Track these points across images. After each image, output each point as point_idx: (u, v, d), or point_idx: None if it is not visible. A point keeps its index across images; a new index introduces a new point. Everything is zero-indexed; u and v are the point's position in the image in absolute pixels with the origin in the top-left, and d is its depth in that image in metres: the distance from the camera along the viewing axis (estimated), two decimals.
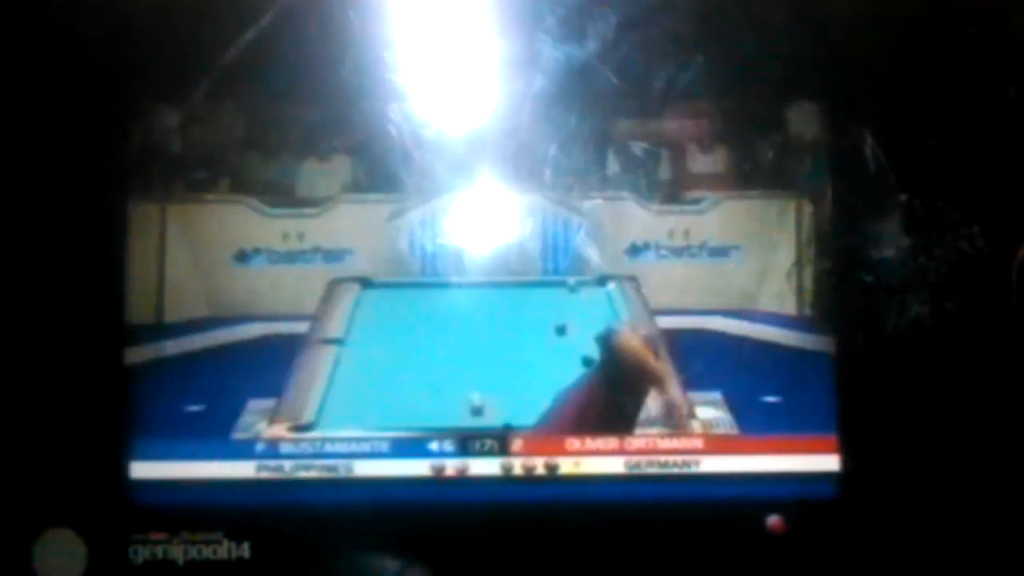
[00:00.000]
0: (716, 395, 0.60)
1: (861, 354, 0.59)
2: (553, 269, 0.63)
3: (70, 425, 0.56)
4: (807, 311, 0.61)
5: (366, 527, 0.57)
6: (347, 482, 0.58)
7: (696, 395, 0.60)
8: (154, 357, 0.59)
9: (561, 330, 0.63)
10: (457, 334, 0.61)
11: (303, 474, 0.58)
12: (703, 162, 0.63)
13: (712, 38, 0.60)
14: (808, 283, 0.61)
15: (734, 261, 0.62)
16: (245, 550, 0.57)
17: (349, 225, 0.62)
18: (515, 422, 0.59)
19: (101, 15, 0.58)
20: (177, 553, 0.56)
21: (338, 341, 0.63)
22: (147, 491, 0.57)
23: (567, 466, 0.59)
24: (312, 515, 0.57)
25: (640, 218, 0.63)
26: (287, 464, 0.58)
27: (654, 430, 0.59)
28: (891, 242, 0.59)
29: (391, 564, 0.56)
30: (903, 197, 0.59)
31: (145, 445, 0.58)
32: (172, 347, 0.59)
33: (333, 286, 0.62)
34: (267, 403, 0.59)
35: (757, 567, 0.57)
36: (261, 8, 0.58)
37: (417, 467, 0.58)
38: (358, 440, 0.58)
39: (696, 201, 0.63)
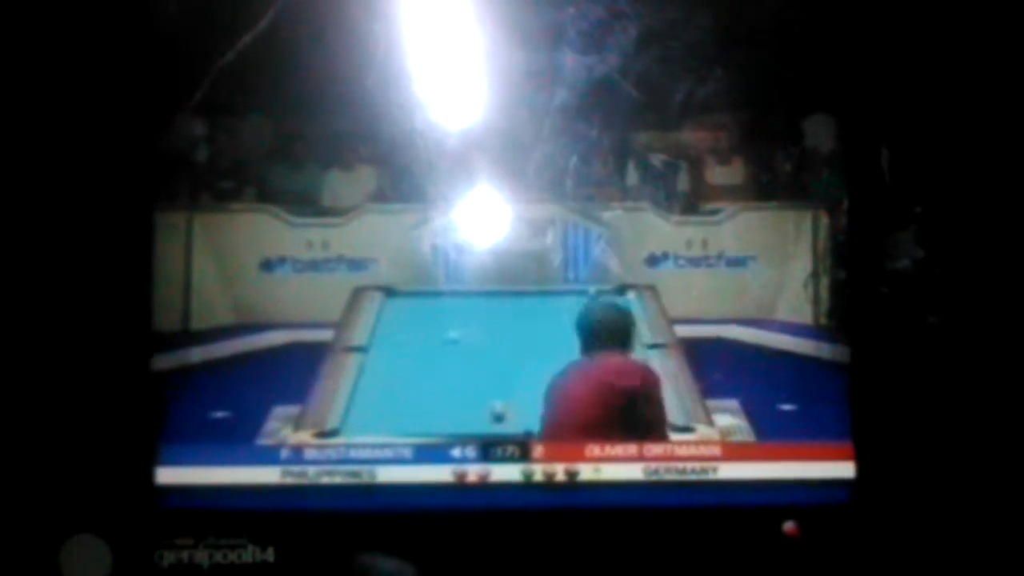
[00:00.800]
0: (733, 403, 0.61)
1: (876, 363, 0.60)
2: (574, 278, 0.64)
3: (96, 431, 0.57)
4: (823, 321, 0.62)
5: (389, 532, 0.57)
6: (370, 488, 0.58)
7: (713, 403, 0.61)
8: (180, 364, 0.60)
9: None
10: (479, 342, 0.61)
11: (327, 480, 0.58)
12: (721, 174, 0.64)
13: (730, 52, 0.60)
14: (824, 293, 0.62)
15: (751, 271, 0.63)
16: (269, 554, 0.57)
17: (373, 234, 0.63)
18: (535, 429, 0.60)
19: (130, 25, 0.58)
20: (202, 558, 0.57)
21: (362, 349, 0.63)
22: (173, 496, 0.58)
23: (587, 472, 0.59)
24: (336, 520, 0.58)
25: (659, 229, 0.63)
26: (311, 470, 0.58)
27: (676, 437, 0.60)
28: (906, 253, 0.59)
29: (413, 569, 0.57)
30: (918, 208, 0.59)
31: (171, 451, 0.58)
32: (198, 354, 0.60)
33: (357, 294, 0.63)
34: (292, 410, 0.60)
35: (773, 572, 0.58)
36: (288, 20, 0.59)
37: (439, 473, 0.59)
38: (381, 446, 0.59)
39: (714, 212, 0.63)
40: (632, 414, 0.60)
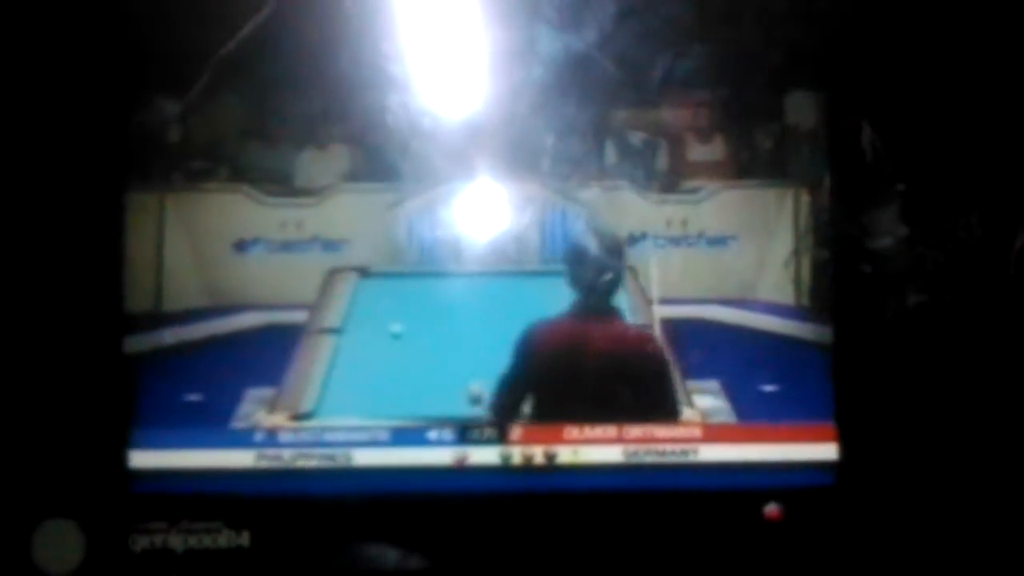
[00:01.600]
0: (714, 384, 0.60)
1: (858, 343, 0.59)
2: (552, 258, 0.63)
3: (69, 414, 0.57)
4: (805, 300, 0.61)
5: (365, 516, 0.57)
6: (346, 471, 0.58)
7: (694, 384, 0.60)
8: (153, 346, 0.59)
9: None
10: (455, 324, 0.61)
11: (302, 463, 0.58)
12: (701, 151, 0.63)
13: (710, 27, 0.60)
14: (806, 272, 0.61)
15: (732, 250, 0.62)
16: (245, 539, 0.57)
17: (347, 215, 0.63)
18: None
19: (101, 5, 0.58)
20: (176, 542, 0.57)
21: (337, 330, 0.63)
22: (146, 480, 0.57)
23: (565, 455, 0.59)
24: (311, 504, 0.57)
25: (638, 208, 0.63)
26: (286, 453, 0.58)
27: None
28: (889, 231, 0.59)
29: (390, 553, 0.56)
30: (901, 186, 0.59)
31: (144, 434, 0.58)
32: (171, 336, 0.60)
33: (332, 276, 0.62)
34: (266, 392, 0.59)
35: (755, 555, 0.58)
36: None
37: (416, 456, 0.58)
38: (357, 429, 0.58)
39: (694, 191, 0.63)
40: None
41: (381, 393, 0.60)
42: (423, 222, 0.62)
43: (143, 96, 0.60)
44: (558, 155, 0.61)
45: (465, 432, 0.58)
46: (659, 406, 0.59)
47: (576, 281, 0.61)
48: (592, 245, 0.61)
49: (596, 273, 0.61)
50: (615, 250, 0.61)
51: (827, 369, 0.59)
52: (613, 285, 0.61)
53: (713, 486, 0.58)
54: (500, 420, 0.59)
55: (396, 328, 0.60)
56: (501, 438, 0.58)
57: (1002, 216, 0.59)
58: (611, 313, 0.61)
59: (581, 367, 0.60)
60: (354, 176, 0.62)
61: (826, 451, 0.59)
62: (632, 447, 0.59)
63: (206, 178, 0.61)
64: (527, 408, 0.59)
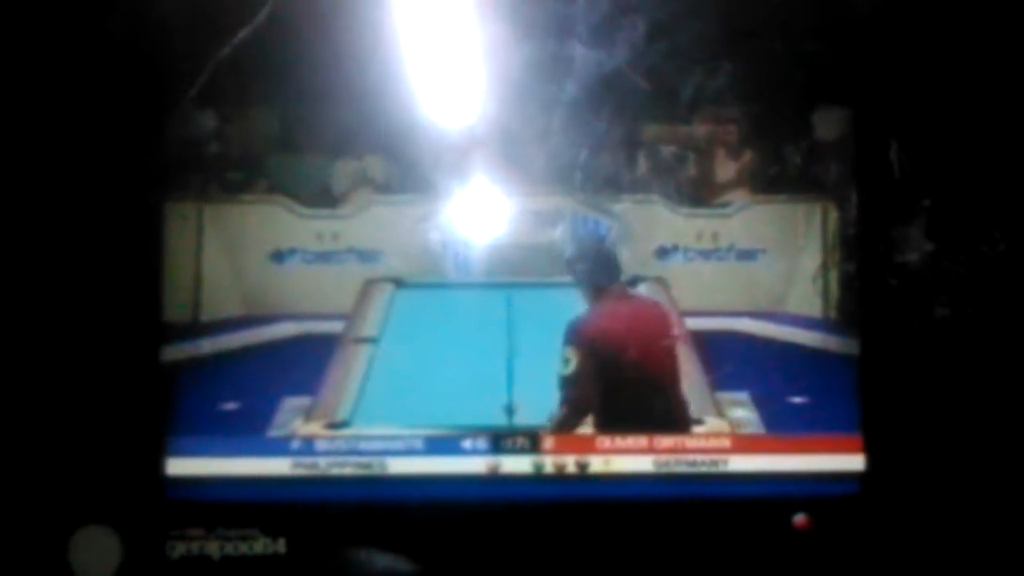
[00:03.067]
0: (743, 395, 0.61)
1: (885, 356, 0.60)
2: None
3: (107, 422, 0.57)
4: (832, 313, 0.62)
5: (399, 524, 0.58)
6: (381, 479, 0.59)
7: (724, 395, 0.61)
8: (190, 355, 0.60)
9: None
10: (488, 334, 0.61)
11: (338, 471, 0.59)
12: (731, 166, 0.64)
13: (740, 43, 0.60)
14: (833, 286, 0.62)
15: (761, 264, 0.63)
16: (280, 546, 0.57)
17: (382, 226, 0.63)
18: (546, 421, 0.60)
19: (138, 16, 0.58)
20: (213, 549, 0.57)
21: (372, 340, 0.63)
22: (183, 488, 0.58)
23: (597, 464, 0.59)
24: (347, 511, 0.58)
25: (669, 221, 0.63)
26: (322, 461, 0.59)
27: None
28: (915, 246, 0.60)
29: (422, 559, 0.57)
30: (928, 201, 0.60)
31: (181, 442, 0.59)
32: (208, 345, 0.60)
33: (368, 286, 0.62)
34: (302, 401, 0.60)
35: (783, 565, 0.58)
36: (296, 10, 0.59)
37: (450, 464, 0.59)
38: (392, 438, 0.59)
39: (724, 204, 0.63)
40: None
41: (416, 402, 0.60)
42: (456, 234, 0.62)
43: (180, 108, 0.60)
44: (590, 169, 0.62)
45: (498, 441, 0.59)
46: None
47: (583, 276, 0.62)
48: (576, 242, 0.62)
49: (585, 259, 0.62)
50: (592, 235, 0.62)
51: (854, 381, 0.60)
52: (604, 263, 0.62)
53: (742, 496, 0.59)
54: (571, 422, 0.60)
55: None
56: (534, 447, 0.59)
57: None
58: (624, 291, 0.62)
59: (628, 346, 0.61)
60: (389, 188, 0.63)
61: (853, 462, 0.60)
62: (663, 457, 0.59)
63: (243, 189, 0.62)
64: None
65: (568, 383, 0.60)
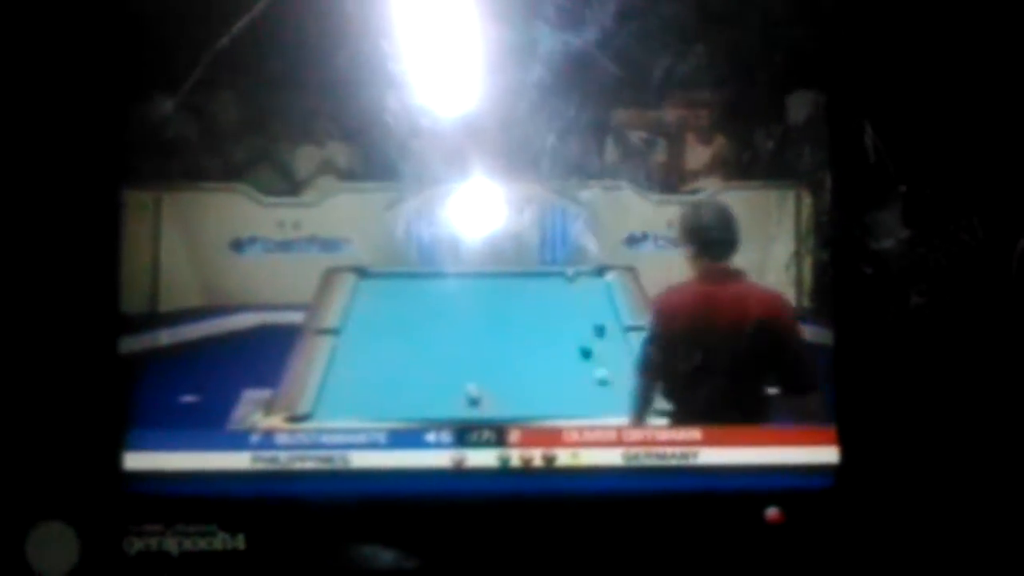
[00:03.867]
0: None
1: (859, 345, 0.59)
2: (551, 259, 0.63)
3: (63, 415, 0.56)
4: (806, 302, 0.61)
5: (362, 518, 0.57)
6: (343, 473, 0.58)
7: None
8: (148, 347, 0.59)
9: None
10: (454, 325, 0.60)
11: (299, 465, 0.58)
12: (702, 151, 0.63)
13: (710, 27, 0.59)
14: (807, 274, 0.61)
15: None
16: (240, 542, 0.56)
17: (345, 214, 0.62)
18: (512, 413, 0.59)
19: (97, 3, 0.57)
20: (171, 545, 0.56)
21: (334, 331, 0.63)
22: (141, 482, 0.57)
23: (565, 458, 0.58)
24: (307, 507, 0.57)
25: (639, 208, 0.62)
26: (283, 455, 0.58)
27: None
28: (891, 232, 0.59)
29: (387, 555, 0.56)
30: (902, 187, 0.59)
31: (139, 436, 0.57)
32: (167, 337, 0.59)
33: (329, 276, 0.62)
34: (263, 393, 0.59)
35: (755, 558, 0.57)
36: None
37: (414, 458, 0.58)
38: (354, 431, 0.58)
39: (695, 191, 0.62)
40: None
41: (378, 395, 0.59)
42: (421, 222, 0.61)
43: (139, 93, 0.59)
44: (558, 155, 0.61)
45: (463, 434, 0.58)
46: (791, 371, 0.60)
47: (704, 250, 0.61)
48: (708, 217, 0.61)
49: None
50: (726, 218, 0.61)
51: (828, 372, 0.59)
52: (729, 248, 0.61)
53: (713, 489, 0.58)
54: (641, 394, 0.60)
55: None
56: (500, 441, 0.58)
57: (1003, 218, 0.58)
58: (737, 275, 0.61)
59: (713, 329, 0.60)
60: (352, 175, 0.62)
61: (827, 454, 0.59)
62: (632, 450, 0.58)
63: (202, 177, 0.61)
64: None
65: (641, 350, 0.59)
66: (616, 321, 0.64)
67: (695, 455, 0.59)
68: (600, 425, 0.59)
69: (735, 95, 0.61)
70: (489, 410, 0.59)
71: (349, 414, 0.59)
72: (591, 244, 0.62)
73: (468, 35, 0.59)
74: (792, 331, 0.60)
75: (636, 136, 0.62)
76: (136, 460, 0.57)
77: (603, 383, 0.60)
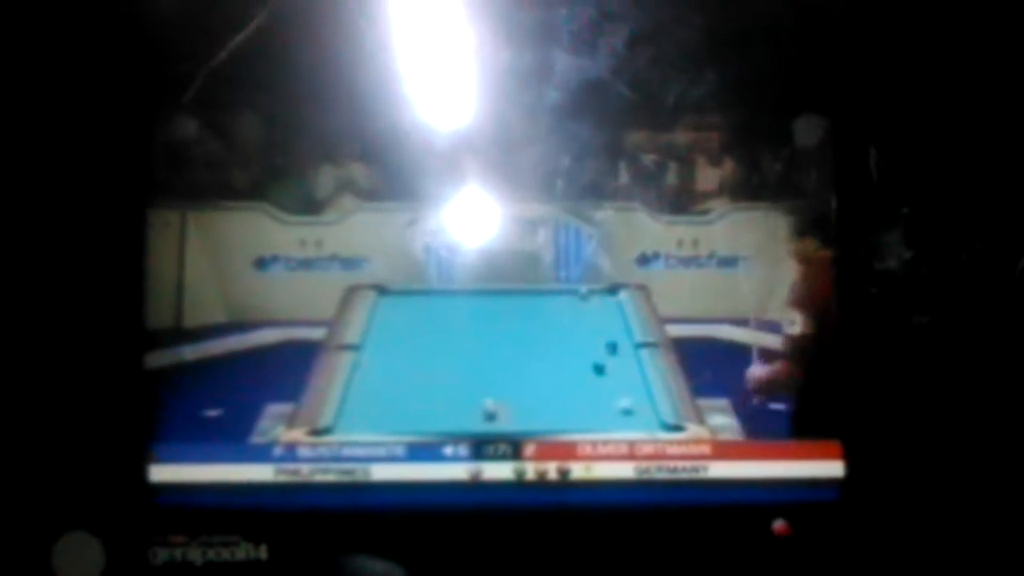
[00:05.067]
0: (723, 402, 0.61)
1: (864, 363, 0.60)
2: (565, 278, 0.64)
3: (89, 429, 0.57)
4: (810, 322, 0.62)
5: (382, 530, 0.58)
6: (363, 486, 0.59)
7: (704, 402, 0.61)
8: (173, 362, 0.60)
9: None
10: (471, 341, 0.62)
11: (320, 478, 0.59)
12: (711, 173, 0.64)
13: (721, 53, 0.61)
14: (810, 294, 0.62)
15: (741, 271, 0.63)
16: (263, 552, 0.57)
17: (365, 233, 0.63)
18: (527, 428, 0.60)
19: (123, 23, 0.59)
20: (195, 555, 0.57)
21: (355, 347, 0.63)
22: (166, 494, 0.58)
23: (578, 471, 0.60)
24: (329, 518, 0.58)
25: (650, 228, 0.64)
26: (304, 468, 0.59)
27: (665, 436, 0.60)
28: (894, 253, 0.60)
29: (405, 565, 0.57)
30: (905, 209, 0.60)
31: (164, 449, 0.59)
32: (191, 352, 0.60)
33: (350, 293, 0.63)
34: (285, 408, 0.60)
35: (763, 569, 0.59)
36: (282, 18, 0.59)
37: (432, 471, 0.59)
38: (374, 444, 0.59)
39: (704, 212, 0.64)
40: None
41: (398, 409, 0.61)
42: (439, 241, 0.62)
43: (165, 114, 0.61)
44: (572, 177, 0.62)
45: (480, 448, 0.59)
46: None
47: None
48: None
49: None
50: None
51: (834, 388, 0.61)
52: None
53: (722, 502, 0.59)
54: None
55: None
56: (515, 454, 0.59)
57: (1004, 239, 0.60)
58: None
59: None
60: (372, 195, 0.63)
61: (832, 468, 0.60)
62: (643, 463, 0.60)
63: (227, 196, 0.62)
64: None
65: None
66: (628, 338, 0.65)
67: (705, 469, 0.60)
68: (613, 439, 0.60)
69: (744, 119, 0.63)
70: (505, 424, 0.60)
71: (369, 428, 0.60)
72: (604, 263, 0.64)
73: (486, 60, 0.60)
74: None
75: (648, 159, 0.63)
76: (161, 472, 0.58)
77: (627, 413, 0.61)
